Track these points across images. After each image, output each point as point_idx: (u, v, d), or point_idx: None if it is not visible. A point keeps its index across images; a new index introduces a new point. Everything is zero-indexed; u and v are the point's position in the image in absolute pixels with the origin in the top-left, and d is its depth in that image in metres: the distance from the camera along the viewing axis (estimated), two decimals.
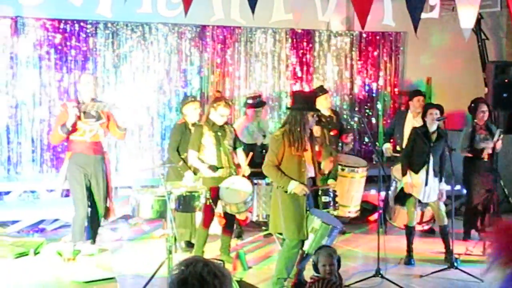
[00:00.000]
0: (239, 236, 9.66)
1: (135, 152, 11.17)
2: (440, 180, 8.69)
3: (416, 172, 8.76)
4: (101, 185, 8.18)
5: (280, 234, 7.65)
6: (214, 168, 8.25)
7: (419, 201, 8.73)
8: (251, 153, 8.82)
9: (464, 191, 10.29)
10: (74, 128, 7.95)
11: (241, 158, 8.74)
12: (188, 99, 9.34)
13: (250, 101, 9.97)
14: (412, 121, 10.12)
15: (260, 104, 9.93)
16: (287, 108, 7.96)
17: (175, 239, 7.18)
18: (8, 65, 10.46)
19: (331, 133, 9.74)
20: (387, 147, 10.46)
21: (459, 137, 9.96)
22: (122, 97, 10.88)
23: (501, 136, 9.74)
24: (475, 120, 9.90)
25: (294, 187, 7.03)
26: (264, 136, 9.91)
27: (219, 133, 8.37)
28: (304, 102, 7.27)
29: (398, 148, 10.27)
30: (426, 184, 8.65)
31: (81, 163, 8.01)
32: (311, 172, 7.32)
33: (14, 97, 10.52)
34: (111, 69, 11.00)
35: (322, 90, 10.15)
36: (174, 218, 7.20)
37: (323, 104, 9.86)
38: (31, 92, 10.58)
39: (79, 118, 7.94)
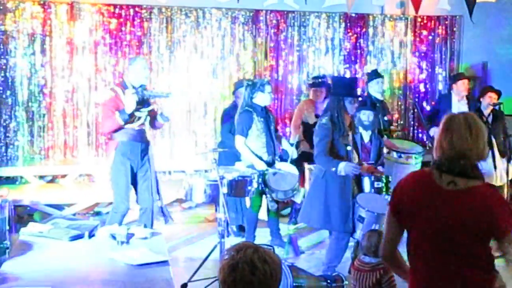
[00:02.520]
0: (292, 221, 9.68)
1: (188, 137, 11.25)
2: (509, 160, 8.53)
3: None
4: (148, 173, 7.96)
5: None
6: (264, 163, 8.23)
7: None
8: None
9: None
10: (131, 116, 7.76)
11: (285, 143, 8.76)
12: (244, 82, 9.31)
13: (312, 81, 9.97)
14: (457, 105, 9.98)
15: (317, 84, 9.89)
16: (330, 93, 7.87)
17: (227, 223, 7.22)
18: (65, 50, 10.63)
19: (385, 118, 9.68)
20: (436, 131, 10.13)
21: None
22: (175, 82, 10.99)
23: None
24: None
25: (344, 166, 6.97)
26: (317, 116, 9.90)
27: (266, 119, 8.35)
28: (342, 87, 7.21)
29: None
30: (495, 167, 8.53)
31: (129, 152, 7.80)
32: (355, 159, 7.27)
33: (70, 82, 10.69)
34: (165, 54, 11.09)
35: (374, 74, 10.08)
36: (227, 202, 7.24)
37: (374, 89, 9.79)
38: (87, 77, 10.73)
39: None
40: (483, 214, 3.52)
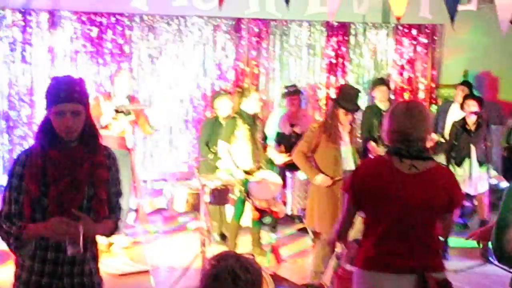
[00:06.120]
0: (273, 229, 9.66)
1: (170, 145, 11.21)
2: (488, 169, 8.52)
3: (459, 165, 8.68)
4: (124, 181, 8.10)
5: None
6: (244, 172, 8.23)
7: (467, 194, 8.61)
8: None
9: (501, 185, 10.07)
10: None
11: (272, 150, 8.83)
12: (220, 93, 9.38)
13: (286, 90, 10.03)
14: (456, 112, 9.91)
15: (295, 93, 9.95)
16: (331, 99, 7.93)
17: (209, 232, 7.19)
18: (46, 59, 10.56)
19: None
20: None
21: (497, 132, 9.81)
22: (157, 90, 10.94)
23: None
24: None
25: (320, 179, 7.05)
26: (292, 125, 9.87)
27: (252, 126, 8.33)
28: (341, 97, 7.22)
29: (439, 139, 10.10)
30: (470, 176, 8.55)
31: None
32: (350, 165, 7.24)
33: None
34: (147, 62, 11.04)
35: (378, 82, 10.13)
36: (208, 211, 7.22)
37: (377, 96, 9.86)
38: None
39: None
40: (444, 190, 3.98)
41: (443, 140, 10.02)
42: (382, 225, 4.01)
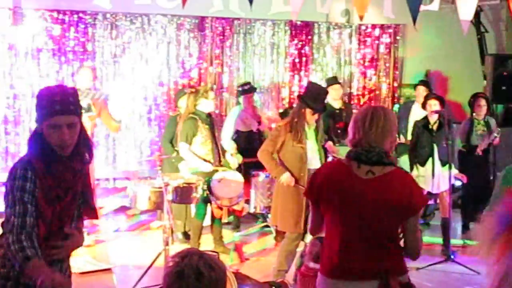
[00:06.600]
0: (236, 228, 9.67)
1: (132, 143, 11.14)
2: (450, 167, 8.58)
3: (422, 164, 8.77)
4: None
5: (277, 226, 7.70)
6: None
7: (429, 193, 8.67)
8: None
9: (461, 183, 10.13)
10: None
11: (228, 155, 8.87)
12: (184, 91, 9.35)
13: (241, 88, 10.00)
14: (419, 111, 9.93)
15: (252, 90, 9.94)
16: (297, 96, 7.87)
17: (172, 230, 7.18)
18: (7, 56, 10.43)
19: (337, 126, 9.73)
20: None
21: (457, 130, 9.90)
22: (120, 88, 10.87)
23: (499, 135, 9.74)
24: (473, 114, 9.90)
25: (285, 178, 7.08)
26: (259, 122, 9.89)
27: (210, 126, 8.35)
28: (308, 96, 7.24)
29: (402, 140, 10.18)
30: (433, 175, 8.63)
31: None
32: (315, 164, 7.27)
33: (12, 88, 10.49)
34: (110, 60, 10.96)
35: (331, 81, 10.12)
36: (171, 210, 7.21)
37: (331, 95, 9.82)
38: (29, 83, 10.55)
39: None
40: (402, 194, 3.91)
41: (404, 141, 10.13)
42: (343, 230, 3.98)
